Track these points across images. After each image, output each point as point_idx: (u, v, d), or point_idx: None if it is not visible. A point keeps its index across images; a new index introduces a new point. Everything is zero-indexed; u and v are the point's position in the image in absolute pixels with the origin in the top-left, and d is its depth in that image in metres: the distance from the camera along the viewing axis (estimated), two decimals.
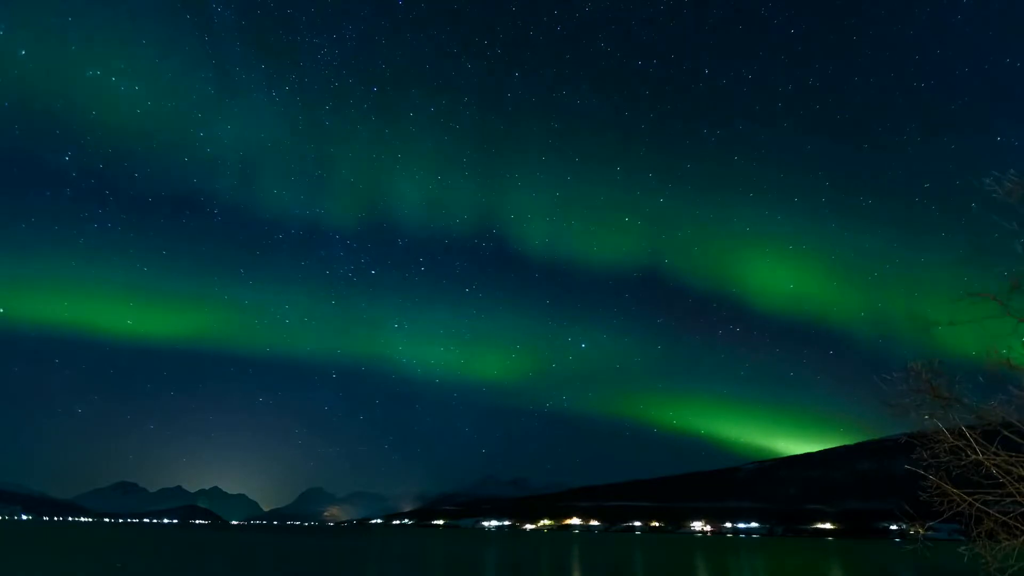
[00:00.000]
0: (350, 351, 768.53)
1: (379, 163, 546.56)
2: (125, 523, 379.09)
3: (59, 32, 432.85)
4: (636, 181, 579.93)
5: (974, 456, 9.78)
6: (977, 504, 9.92)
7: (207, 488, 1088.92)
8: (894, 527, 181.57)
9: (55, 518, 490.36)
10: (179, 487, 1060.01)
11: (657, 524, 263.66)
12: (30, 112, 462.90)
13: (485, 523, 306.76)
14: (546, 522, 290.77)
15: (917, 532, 11.42)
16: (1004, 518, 9.87)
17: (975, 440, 9.82)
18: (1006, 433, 9.76)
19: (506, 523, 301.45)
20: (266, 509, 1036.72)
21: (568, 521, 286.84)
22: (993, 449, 9.76)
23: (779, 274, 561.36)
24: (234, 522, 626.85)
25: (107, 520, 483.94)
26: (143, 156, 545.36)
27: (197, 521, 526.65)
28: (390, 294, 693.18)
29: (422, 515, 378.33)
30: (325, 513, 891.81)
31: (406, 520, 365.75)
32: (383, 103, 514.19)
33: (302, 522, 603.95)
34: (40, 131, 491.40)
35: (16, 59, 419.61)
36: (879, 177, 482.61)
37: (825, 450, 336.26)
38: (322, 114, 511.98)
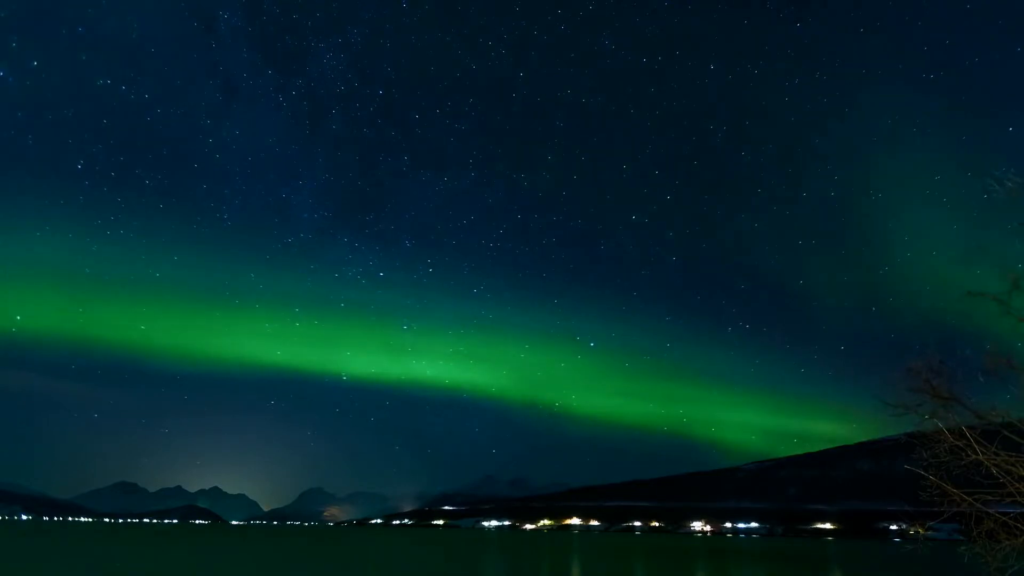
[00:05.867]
0: (360, 353, 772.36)
1: (386, 165, 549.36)
2: (125, 523, 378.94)
3: (70, 42, 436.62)
4: (643, 178, 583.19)
5: (974, 456, 9.77)
6: (977, 504, 9.91)
7: (207, 488, 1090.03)
8: (894, 527, 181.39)
9: (55, 518, 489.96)
10: (179, 487, 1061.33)
11: (657, 524, 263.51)
12: (43, 122, 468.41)
13: (485, 523, 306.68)
14: (546, 522, 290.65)
15: (917, 532, 11.42)
16: (1004, 518, 9.85)
17: (975, 440, 9.80)
18: (1006, 433, 9.74)
19: (506, 523, 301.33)
20: (266, 509, 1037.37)
21: (568, 521, 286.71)
22: (993, 449, 9.74)
23: (788, 270, 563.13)
24: (234, 522, 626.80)
25: (107, 520, 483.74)
26: (153, 163, 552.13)
27: (197, 521, 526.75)
28: (399, 296, 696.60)
29: (422, 515, 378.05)
30: (325, 513, 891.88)
31: (406, 520, 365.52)
32: (389, 106, 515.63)
33: (302, 522, 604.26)
34: (52, 140, 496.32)
35: (28, 69, 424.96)
36: (888, 170, 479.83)
37: (825, 450, 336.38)
38: (329, 118, 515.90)
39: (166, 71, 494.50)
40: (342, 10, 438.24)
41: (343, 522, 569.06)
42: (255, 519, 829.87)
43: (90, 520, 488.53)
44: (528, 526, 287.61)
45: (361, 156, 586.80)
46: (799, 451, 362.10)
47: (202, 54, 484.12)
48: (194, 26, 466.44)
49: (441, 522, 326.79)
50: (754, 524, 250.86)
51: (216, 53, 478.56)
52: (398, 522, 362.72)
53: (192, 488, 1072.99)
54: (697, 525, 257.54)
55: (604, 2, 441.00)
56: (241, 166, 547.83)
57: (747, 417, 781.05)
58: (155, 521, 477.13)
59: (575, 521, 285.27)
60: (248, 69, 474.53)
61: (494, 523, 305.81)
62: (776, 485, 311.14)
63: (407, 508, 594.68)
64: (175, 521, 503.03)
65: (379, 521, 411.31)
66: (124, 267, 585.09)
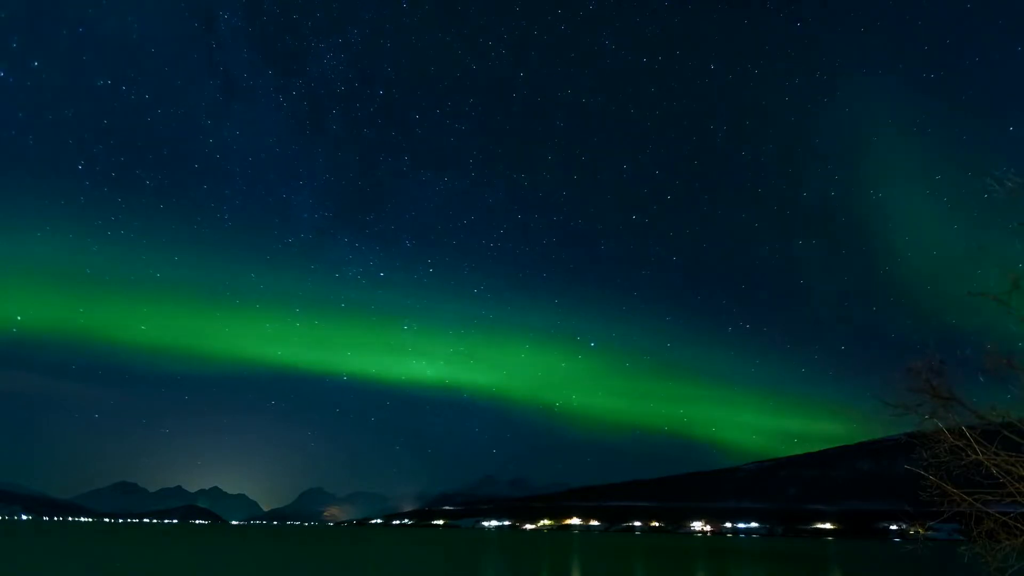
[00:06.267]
0: (360, 353, 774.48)
1: (386, 165, 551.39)
2: (125, 523, 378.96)
3: (70, 43, 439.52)
4: (643, 179, 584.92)
5: (974, 456, 9.75)
6: (977, 504, 9.90)
7: (207, 488, 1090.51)
8: (894, 527, 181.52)
9: (55, 518, 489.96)
10: (179, 487, 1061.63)
11: (657, 524, 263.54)
12: (43, 122, 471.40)
13: (485, 523, 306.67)
14: (546, 522, 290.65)
15: (917, 532, 11.41)
16: (1004, 518, 9.84)
17: (975, 440, 9.79)
18: (1006, 433, 9.73)
19: (506, 523, 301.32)
20: (266, 509, 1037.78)
21: (568, 521, 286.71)
22: (993, 449, 9.73)
23: (789, 270, 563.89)
24: (234, 522, 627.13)
25: (107, 520, 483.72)
26: (154, 164, 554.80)
27: (197, 521, 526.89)
28: (399, 296, 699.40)
29: (422, 515, 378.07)
30: (325, 513, 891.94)
31: (406, 520, 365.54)
32: (389, 106, 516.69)
33: (302, 522, 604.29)
34: (53, 140, 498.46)
35: (29, 70, 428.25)
36: (889, 169, 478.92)
37: (825, 450, 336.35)
38: (329, 118, 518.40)
39: (166, 71, 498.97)
40: (342, 10, 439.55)
41: (343, 522, 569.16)
42: (255, 519, 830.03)
43: (90, 520, 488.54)
44: (528, 526, 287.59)
45: (361, 156, 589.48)
46: (799, 451, 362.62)
47: (202, 54, 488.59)
48: (194, 26, 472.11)
49: (441, 522, 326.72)
50: (754, 524, 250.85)
51: (216, 53, 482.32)
52: (398, 522, 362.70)
53: (192, 488, 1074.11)
54: (697, 525, 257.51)
55: (604, 2, 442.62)
56: (241, 166, 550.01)
57: (747, 417, 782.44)
58: (155, 521, 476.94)
59: (575, 521, 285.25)
60: (248, 69, 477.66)
61: (494, 523, 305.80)
62: (776, 485, 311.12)
63: (407, 508, 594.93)
64: (175, 521, 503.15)
65: (379, 521, 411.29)
66: (125, 267, 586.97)
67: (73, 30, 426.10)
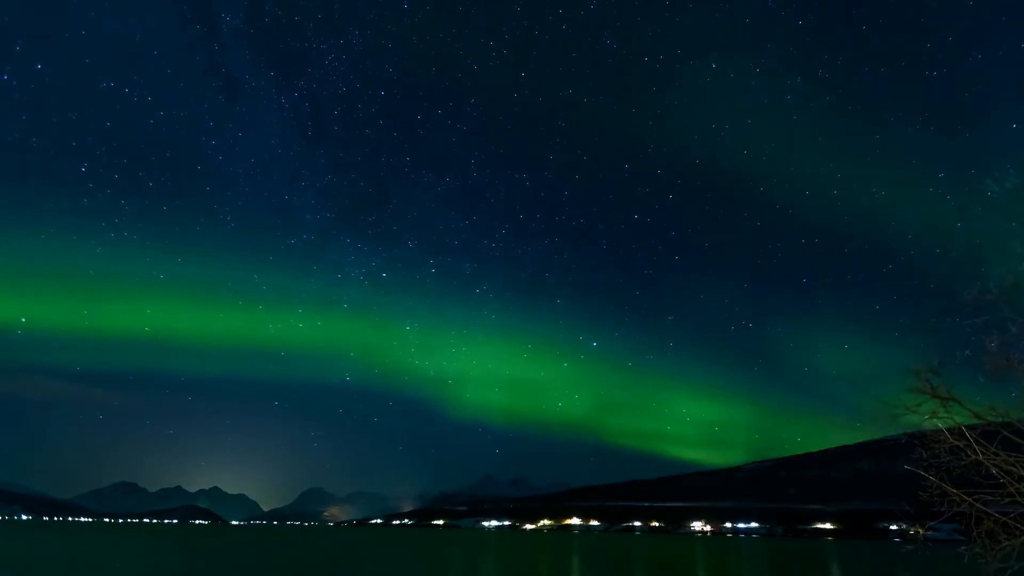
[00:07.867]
0: (363, 354, 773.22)
1: (388, 166, 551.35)
2: (125, 523, 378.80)
3: (73, 45, 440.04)
4: (645, 178, 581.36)
5: (974, 456, 9.75)
6: (977, 504, 9.89)
7: (207, 488, 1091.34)
8: (894, 527, 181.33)
9: (55, 518, 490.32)
10: (179, 487, 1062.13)
11: (657, 524, 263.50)
12: (46, 124, 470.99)
13: (485, 523, 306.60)
14: (546, 522, 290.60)
15: (917, 532, 11.40)
16: (1004, 518, 9.84)
17: (975, 440, 9.79)
18: (1006, 433, 9.72)
19: (506, 523, 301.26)
20: (266, 509, 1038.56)
21: (568, 521, 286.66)
22: (993, 449, 9.73)
23: (791, 269, 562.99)
24: (234, 522, 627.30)
25: (107, 520, 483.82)
26: (157, 166, 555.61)
27: (197, 521, 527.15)
28: (401, 296, 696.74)
29: (422, 515, 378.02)
30: (325, 513, 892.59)
31: (406, 520, 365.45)
32: (391, 106, 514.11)
33: (302, 522, 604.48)
34: (56, 143, 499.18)
35: (32, 72, 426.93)
36: (892, 168, 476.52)
37: (825, 450, 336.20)
38: (331, 119, 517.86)
39: (169, 73, 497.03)
40: (343, 11, 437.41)
41: (343, 522, 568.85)
42: (255, 519, 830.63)
43: (90, 520, 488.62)
44: (528, 526, 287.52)
45: (363, 157, 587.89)
46: (799, 451, 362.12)
47: (204, 56, 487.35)
48: (196, 28, 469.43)
49: (441, 522, 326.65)
50: (754, 524, 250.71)
51: (218, 55, 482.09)
52: (398, 522, 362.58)
53: (192, 488, 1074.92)
54: (697, 525, 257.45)
55: (605, 1, 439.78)
56: (244, 167, 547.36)
57: (747, 417, 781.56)
58: (155, 521, 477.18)
59: (575, 521, 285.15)
60: (250, 71, 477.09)
61: (494, 523, 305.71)
62: (776, 485, 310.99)
63: (407, 508, 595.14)
64: (175, 521, 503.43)
65: (379, 521, 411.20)
66: (128, 269, 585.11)
67: (76, 33, 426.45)
